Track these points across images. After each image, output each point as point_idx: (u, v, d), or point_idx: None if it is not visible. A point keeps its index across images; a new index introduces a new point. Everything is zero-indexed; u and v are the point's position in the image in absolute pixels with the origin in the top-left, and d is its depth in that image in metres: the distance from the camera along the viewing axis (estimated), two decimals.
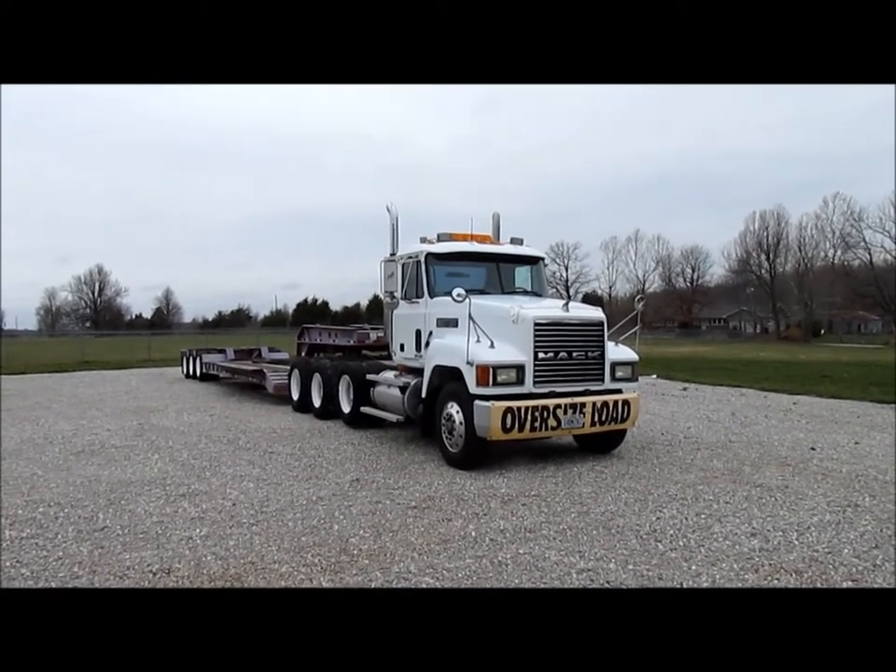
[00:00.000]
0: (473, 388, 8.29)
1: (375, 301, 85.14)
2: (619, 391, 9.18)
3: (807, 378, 21.14)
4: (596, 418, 8.73)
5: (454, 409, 8.74)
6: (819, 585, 4.92)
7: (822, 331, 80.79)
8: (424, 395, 9.48)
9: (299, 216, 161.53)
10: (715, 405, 15.06)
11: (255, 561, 5.43)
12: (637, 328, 9.80)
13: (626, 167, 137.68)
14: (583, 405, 8.60)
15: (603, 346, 8.98)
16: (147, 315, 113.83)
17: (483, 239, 10.72)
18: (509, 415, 8.10)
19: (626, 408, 9.01)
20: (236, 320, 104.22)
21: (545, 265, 11.37)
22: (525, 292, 10.49)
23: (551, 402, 8.39)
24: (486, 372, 8.20)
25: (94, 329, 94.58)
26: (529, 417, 8.23)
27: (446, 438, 8.92)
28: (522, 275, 10.79)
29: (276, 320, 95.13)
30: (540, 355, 8.50)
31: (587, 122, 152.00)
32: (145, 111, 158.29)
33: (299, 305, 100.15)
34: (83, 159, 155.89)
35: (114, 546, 5.79)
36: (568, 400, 8.53)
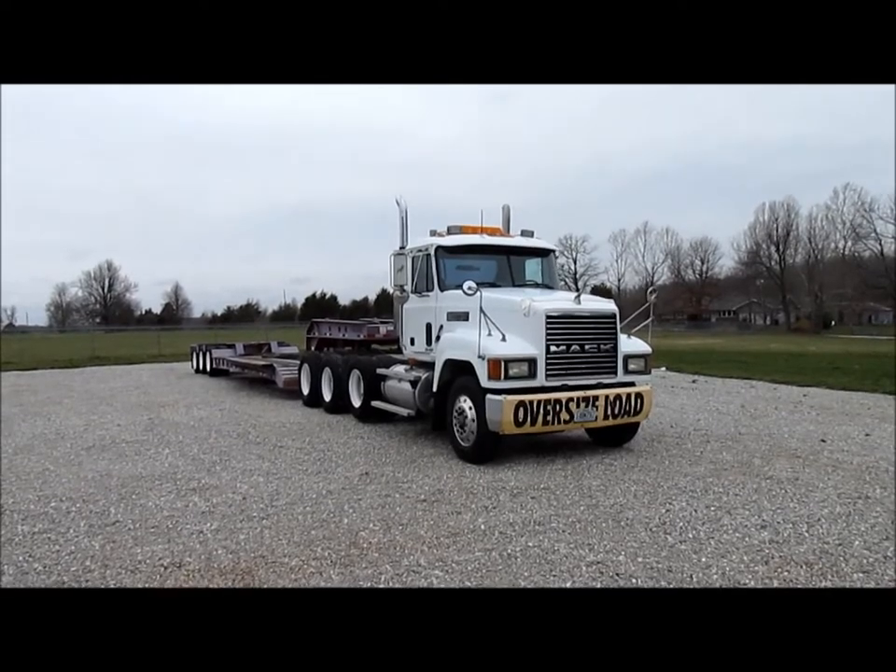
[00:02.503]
0: (485, 382, 8.22)
1: (384, 295, 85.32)
2: (632, 384, 9.10)
3: (818, 370, 21.04)
4: (609, 411, 8.64)
5: (465, 403, 8.67)
6: (829, 577, 4.91)
7: (833, 323, 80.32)
8: (435, 389, 9.40)
9: (307, 210, 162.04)
10: (725, 397, 15.02)
11: (265, 555, 5.46)
12: (649, 320, 9.69)
13: (635, 159, 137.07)
14: (596, 398, 8.52)
15: (616, 339, 8.89)
16: (157, 310, 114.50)
17: (493, 231, 10.63)
18: (521, 409, 8.03)
19: (639, 401, 8.94)
20: (245, 315, 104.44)
21: (556, 257, 11.25)
22: (536, 285, 10.41)
23: (563, 396, 8.32)
24: (498, 366, 8.12)
25: (104, 324, 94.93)
26: (542, 411, 8.15)
27: (458, 432, 8.85)
28: (532, 268, 10.69)
29: (285, 315, 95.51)
30: (552, 348, 8.41)
31: (594, 114, 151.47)
32: (153, 108, 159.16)
33: (307, 300, 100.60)
34: (91, 155, 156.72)
35: (125, 540, 5.84)
36: (581, 394, 8.44)
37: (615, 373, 8.89)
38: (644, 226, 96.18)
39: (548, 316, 8.40)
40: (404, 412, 10.23)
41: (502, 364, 8.12)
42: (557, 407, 8.25)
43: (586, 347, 8.66)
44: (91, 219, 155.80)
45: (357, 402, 12.00)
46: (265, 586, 4.86)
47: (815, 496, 6.99)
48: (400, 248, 10.76)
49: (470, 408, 8.55)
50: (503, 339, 8.32)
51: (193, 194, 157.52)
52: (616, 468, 8.26)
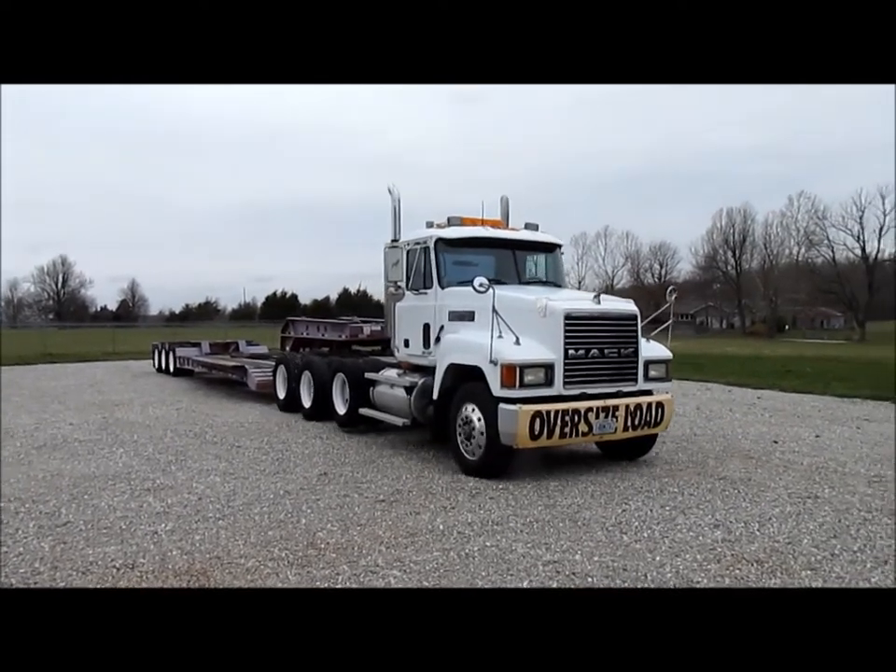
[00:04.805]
0: (497, 390, 7.42)
1: (345, 295, 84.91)
2: (650, 392, 8.42)
3: (771, 373, 21.52)
4: (629, 422, 7.92)
5: (473, 412, 7.85)
6: (779, 574, 5.02)
7: (787, 327, 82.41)
8: (435, 396, 8.58)
9: (270, 208, 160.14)
10: (680, 399, 15.23)
11: (221, 556, 5.39)
12: (669, 322, 9.12)
13: (596, 164, 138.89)
14: (616, 408, 7.80)
15: (637, 343, 8.18)
16: (113, 307, 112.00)
17: (494, 224, 9.85)
18: (538, 420, 7.29)
19: (660, 411, 8.24)
20: (204, 313, 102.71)
21: (562, 253, 10.33)
22: (542, 282, 9.59)
23: (582, 405, 7.59)
24: (513, 372, 7.31)
25: (58, 320, 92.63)
26: (559, 422, 7.42)
27: (463, 444, 8.03)
28: (536, 264, 9.87)
29: (245, 314, 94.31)
30: (571, 352, 7.64)
31: (555, 120, 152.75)
32: (112, 102, 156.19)
33: (268, 298, 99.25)
34: (47, 147, 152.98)
35: (76, 541, 5.71)
36: (601, 403, 7.72)
37: (636, 381, 8.18)
38: (605, 230, 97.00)
39: (566, 317, 7.64)
40: (398, 421, 9.28)
41: (517, 370, 7.32)
42: (576, 418, 7.51)
43: (606, 352, 7.92)
44: (47, 213, 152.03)
45: (341, 409, 11.02)
46: (224, 586, 4.81)
47: (766, 495, 7.15)
48: (393, 241, 9.72)
49: (479, 418, 7.74)
50: (517, 342, 7.54)
51: (152, 190, 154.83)
52: (574, 468, 8.33)
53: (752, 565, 5.21)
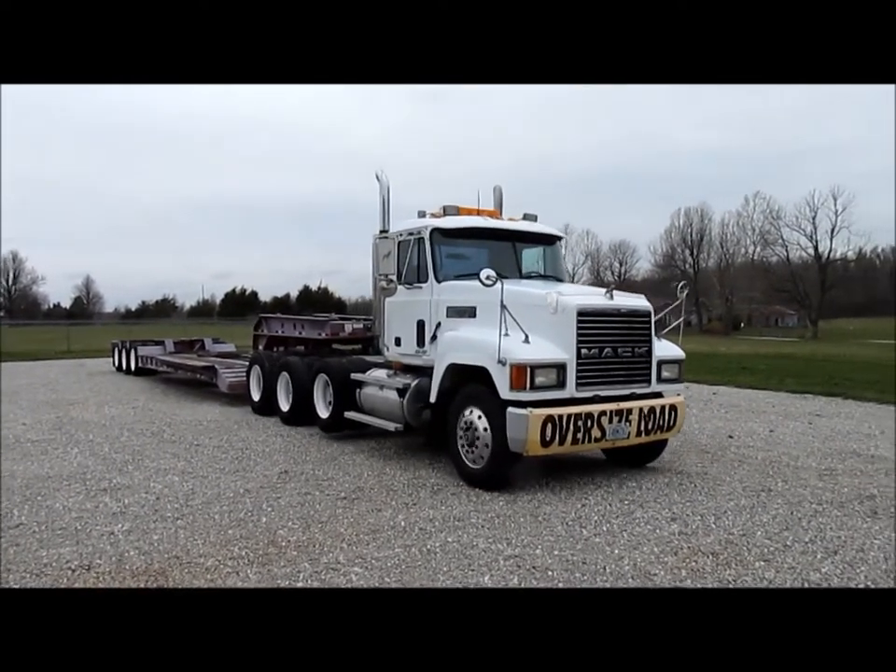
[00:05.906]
0: (506, 393, 6.86)
1: (305, 292, 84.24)
2: (660, 394, 8.02)
3: (727, 369, 21.96)
4: (643, 427, 7.49)
5: (475, 416, 7.33)
6: (733, 566, 5.13)
7: (742, 325, 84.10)
8: (433, 399, 7.99)
9: (230, 204, 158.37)
10: None
11: (179, 555, 5.32)
12: (680, 319, 8.73)
13: (556, 164, 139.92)
14: (629, 412, 7.34)
15: (651, 342, 7.71)
16: (67, 304, 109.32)
17: (491, 214, 9.38)
18: (549, 425, 6.77)
19: (673, 413, 7.87)
20: (161, 310, 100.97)
21: (562, 246, 9.82)
22: (541, 276, 9.09)
23: (594, 409, 7.11)
24: (523, 373, 6.76)
25: (8, 318, 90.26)
26: (572, 427, 6.93)
27: (464, 451, 7.48)
28: (534, 257, 9.33)
29: (203, 311, 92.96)
30: (584, 351, 7.13)
31: (516, 120, 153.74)
32: (73, 97, 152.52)
33: (227, 295, 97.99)
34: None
35: (30, 543, 5.59)
36: (614, 406, 7.25)
37: (649, 382, 7.73)
38: (565, 228, 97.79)
39: (580, 313, 7.13)
40: (390, 425, 8.59)
41: (528, 371, 6.78)
42: (588, 422, 7.03)
43: (619, 351, 7.42)
44: None
45: (324, 413, 10.29)
46: (190, 586, 4.75)
47: (722, 489, 7.30)
48: (383, 231, 8.99)
49: (483, 422, 7.22)
50: (526, 340, 6.99)
51: (108, 186, 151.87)
52: (535, 465, 8.38)
53: (708, 557, 5.33)
